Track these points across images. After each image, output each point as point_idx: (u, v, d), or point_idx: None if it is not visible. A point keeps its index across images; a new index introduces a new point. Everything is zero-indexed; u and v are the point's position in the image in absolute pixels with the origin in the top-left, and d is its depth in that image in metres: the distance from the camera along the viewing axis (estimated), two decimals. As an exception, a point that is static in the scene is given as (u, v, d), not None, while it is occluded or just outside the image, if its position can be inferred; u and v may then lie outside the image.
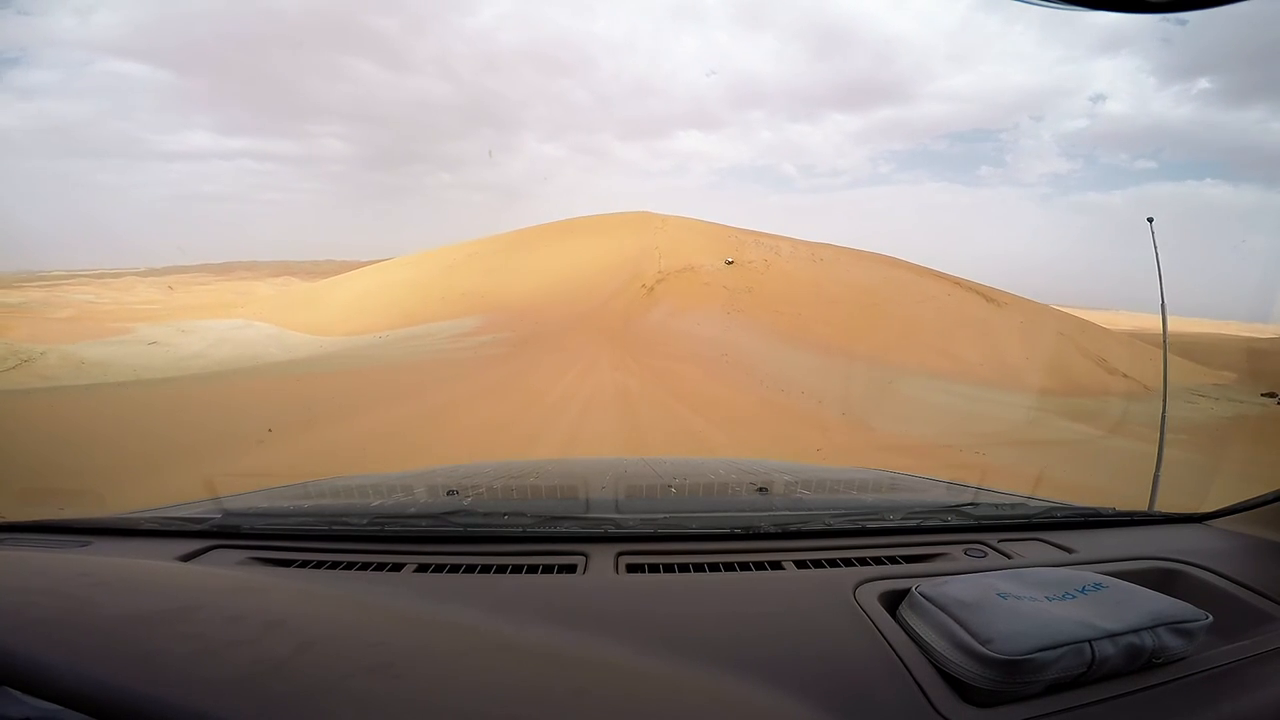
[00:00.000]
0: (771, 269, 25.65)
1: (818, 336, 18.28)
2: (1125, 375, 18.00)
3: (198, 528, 1.16)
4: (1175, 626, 0.77)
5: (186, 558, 1.05)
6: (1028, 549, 1.11)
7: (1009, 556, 1.08)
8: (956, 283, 25.15)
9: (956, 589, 0.82)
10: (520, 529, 1.12)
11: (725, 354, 15.76)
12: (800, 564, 1.02)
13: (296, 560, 1.04)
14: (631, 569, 0.99)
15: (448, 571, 0.98)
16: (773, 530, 1.13)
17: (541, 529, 1.12)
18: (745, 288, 23.32)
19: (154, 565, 0.91)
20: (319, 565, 1.02)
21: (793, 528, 1.14)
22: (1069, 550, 1.10)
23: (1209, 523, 1.22)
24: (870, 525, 1.16)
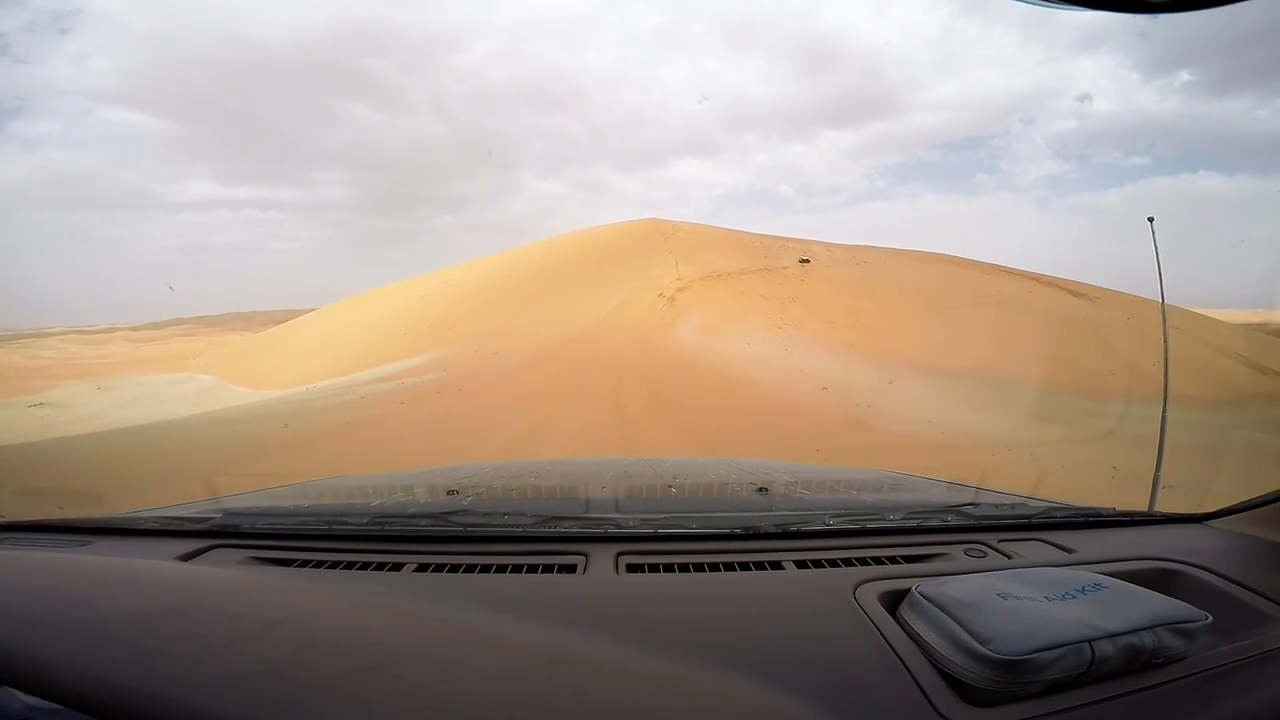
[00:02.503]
0: (812, 274, 22.25)
1: (900, 352, 14.59)
2: (1277, 373, 15.00)
3: (198, 527, 1.17)
4: (1175, 627, 0.77)
5: (186, 557, 1.05)
6: (1028, 549, 1.11)
7: (1009, 557, 1.08)
8: (1033, 278, 22.12)
9: (956, 589, 0.82)
10: (520, 529, 1.12)
11: (825, 386, 11.04)
12: (800, 564, 1.02)
13: (297, 560, 1.05)
14: (631, 569, 1.00)
15: (448, 571, 0.99)
16: (773, 530, 1.13)
17: (541, 529, 1.12)
18: (788, 296, 19.85)
19: (154, 565, 0.91)
20: (319, 565, 1.03)
21: (793, 528, 1.14)
22: (1069, 550, 1.10)
23: (1209, 523, 1.21)
24: (870, 525, 1.15)
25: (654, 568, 1.00)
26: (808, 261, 23.54)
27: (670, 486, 1.58)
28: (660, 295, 19.88)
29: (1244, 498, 1.17)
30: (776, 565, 1.01)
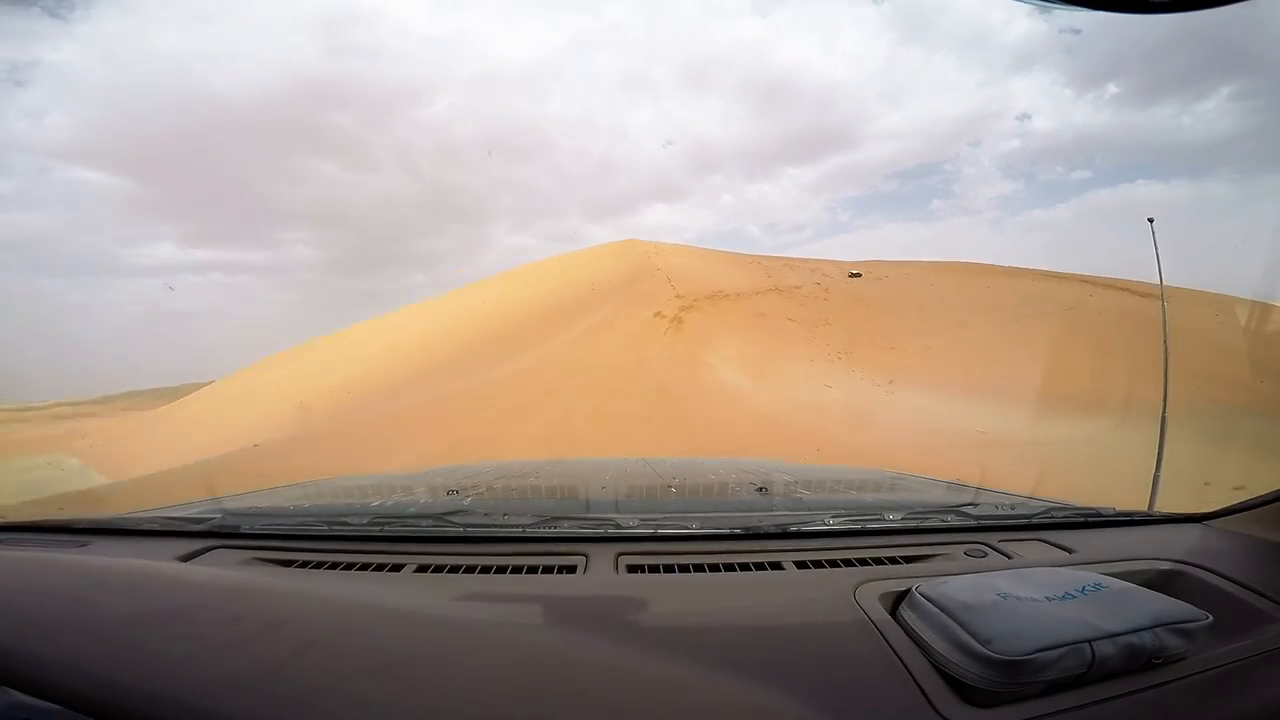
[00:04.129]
0: (834, 294, 19.90)
1: (994, 381, 11.86)
2: None
3: (198, 528, 1.17)
4: (1175, 627, 0.77)
5: (186, 558, 1.05)
6: (1028, 549, 1.11)
7: (1009, 557, 1.08)
8: (1085, 280, 19.96)
9: (956, 589, 0.82)
10: (520, 529, 1.12)
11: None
12: (800, 564, 1.01)
13: (297, 560, 1.04)
14: (631, 569, 0.99)
15: (448, 572, 0.98)
16: (773, 530, 1.13)
17: (541, 529, 1.12)
18: (819, 319, 17.48)
19: (154, 565, 0.90)
20: (319, 565, 1.03)
21: (793, 528, 1.14)
22: (1069, 550, 1.10)
23: (1209, 523, 1.20)
24: (870, 525, 1.15)
25: (654, 568, 1.00)
26: (858, 275, 21.94)
27: (670, 487, 1.59)
28: (659, 315, 16.43)
29: None
30: (776, 565, 1.01)
